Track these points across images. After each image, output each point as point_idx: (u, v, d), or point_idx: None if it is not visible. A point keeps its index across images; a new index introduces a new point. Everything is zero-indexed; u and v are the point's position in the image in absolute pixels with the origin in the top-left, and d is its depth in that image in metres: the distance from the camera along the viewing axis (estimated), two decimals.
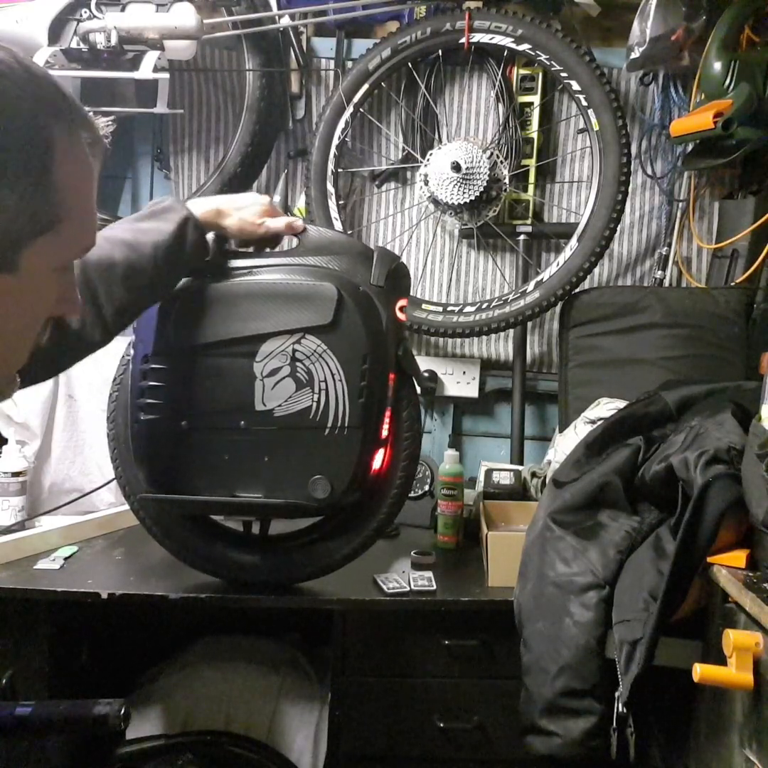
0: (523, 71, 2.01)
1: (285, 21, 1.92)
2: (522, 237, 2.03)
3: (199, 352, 1.26)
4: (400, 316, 1.29)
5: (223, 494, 1.27)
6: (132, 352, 1.30)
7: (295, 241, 1.29)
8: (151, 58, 1.73)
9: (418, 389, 1.35)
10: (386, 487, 1.32)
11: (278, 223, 1.26)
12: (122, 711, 0.85)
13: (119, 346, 1.40)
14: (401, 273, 1.28)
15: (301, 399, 1.23)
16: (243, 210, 1.24)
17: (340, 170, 1.99)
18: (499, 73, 1.98)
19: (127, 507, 1.73)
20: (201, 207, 1.19)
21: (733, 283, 1.90)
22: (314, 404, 1.23)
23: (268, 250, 1.30)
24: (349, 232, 2.00)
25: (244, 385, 1.24)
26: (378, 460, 1.29)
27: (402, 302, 1.29)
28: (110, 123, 0.66)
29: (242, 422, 1.25)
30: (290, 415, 1.24)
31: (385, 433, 1.28)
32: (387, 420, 1.28)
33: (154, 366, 1.26)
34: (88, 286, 1.03)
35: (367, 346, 1.22)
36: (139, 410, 1.27)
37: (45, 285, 0.64)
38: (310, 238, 1.27)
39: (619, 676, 1.15)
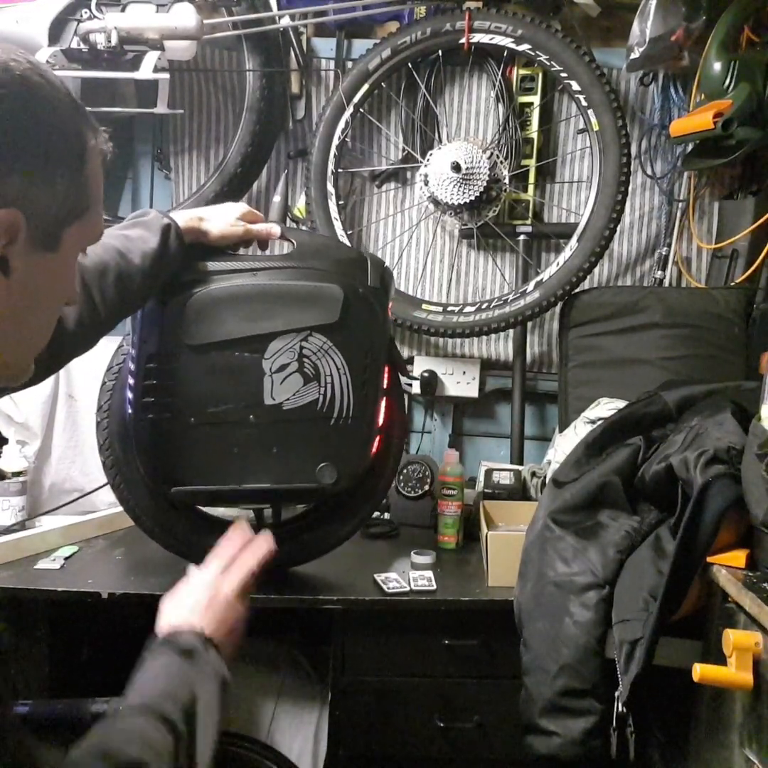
0: (522, 71, 2.01)
1: (285, 21, 1.92)
2: (522, 237, 2.03)
3: (209, 351, 1.30)
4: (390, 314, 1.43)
5: (232, 486, 1.32)
6: (131, 350, 1.30)
7: (286, 246, 1.34)
8: (151, 58, 1.73)
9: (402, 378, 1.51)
10: (380, 470, 1.46)
11: (259, 228, 1.34)
12: (120, 709, 0.84)
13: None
14: (389, 276, 1.42)
15: (309, 392, 1.33)
16: (221, 216, 1.30)
17: (340, 170, 1.99)
18: (499, 74, 1.98)
19: None
20: (181, 217, 1.25)
21: (732, 283, 1.90)
22: (321, 397, 1.33)
23: (260, 251, 1.39)
24: (349, 233, 2.00)
25: (253, 381, 1.31)
26: (375, 445, 1.41)
27: (390, 302, 1.42)
28: (109, 130, 0.77)
29: (251, 417, 1.31)
30: (298, 407, 1.33)
31: (381, 420, 1.40)
32: (383, 408, 1.41)
33: (160, 365, 1.29)
34: (85, 287, 1.08)
35: (369, 343, 1.34)
36: (143, 409, 1.29)
37: (73, 267, 0.75)
38: (304, 242, 1.36)
39: (619, 675, 1.15)
